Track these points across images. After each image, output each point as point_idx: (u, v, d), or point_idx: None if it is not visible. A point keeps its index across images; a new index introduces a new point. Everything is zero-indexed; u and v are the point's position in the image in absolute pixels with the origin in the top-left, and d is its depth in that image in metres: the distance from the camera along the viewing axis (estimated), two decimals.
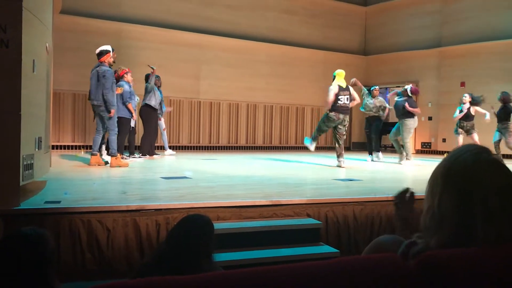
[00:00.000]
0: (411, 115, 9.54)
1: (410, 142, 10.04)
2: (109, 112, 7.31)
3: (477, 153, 1.04)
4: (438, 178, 1.06)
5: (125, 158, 8.46)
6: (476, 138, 10.25)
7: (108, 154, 7.79)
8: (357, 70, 15.04)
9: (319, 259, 4.00)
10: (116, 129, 7.50)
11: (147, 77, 9.43)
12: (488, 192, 0.98)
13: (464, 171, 1.02)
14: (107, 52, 7.47)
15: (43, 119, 5.06)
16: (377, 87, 10.56)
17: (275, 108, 13.77)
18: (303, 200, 4.74)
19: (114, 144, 7.37)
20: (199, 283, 0.85)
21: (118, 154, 7.42)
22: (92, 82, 7.39)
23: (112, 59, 7.58)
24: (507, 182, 1.00)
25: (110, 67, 7.47)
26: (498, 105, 10.43)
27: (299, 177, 6.81)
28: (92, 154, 7.48)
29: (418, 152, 13.99)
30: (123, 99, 8.38)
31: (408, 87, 9.87)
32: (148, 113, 9.25)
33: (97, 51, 7.53)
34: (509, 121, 10.12)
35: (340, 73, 8.44)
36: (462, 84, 12.78)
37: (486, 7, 12.31)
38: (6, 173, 3.78)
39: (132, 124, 8.96)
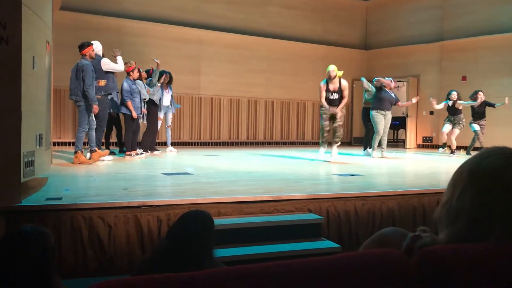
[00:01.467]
0: None
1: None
2: (91, 108, 7.15)
3: (509, 156, 1.04)
4: (464, 173, 1.06)
5: (133, 155, 8.42)
6: (456, 133, 10.46)
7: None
8: (358, 65, 15.03)
9: (321, 254, 4.00)
10: (87, 127, 7.21)
11: (148, 72, 9.42)
12: (510, 195, 0.98)
13: (492, 172, 1.02)
14: (88, 44, 7.27)
15: (44, 116, 5.06)
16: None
17: (276, 103, 13.76)
18: (304, 196, 4.74)
19: (79, 142, 7.16)
20: (200, 280, 0.85)
21: (79, 152, 7.21)
22: (71, 76, 7.16)
23: (94, 52, 7.39)
24: None
25: (90, 60, 7.27)
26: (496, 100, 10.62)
27: (300, 173, 6.80)
28: (91, 151, 7.43)
29: (419, 146, 13.99)
30: (122, 97, 8.34)
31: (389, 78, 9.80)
32: (150, 109, 9.24)
33: (96, 45, 7.46)
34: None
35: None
36: (464, 78, 12.76)
37: (486, 1, 12.27)
38: (7, 170, 3.78)
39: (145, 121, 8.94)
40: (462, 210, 1.02)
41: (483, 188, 1.01)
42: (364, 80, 10.41)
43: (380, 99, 9.47)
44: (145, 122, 9.26)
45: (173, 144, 10.98)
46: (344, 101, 8.38)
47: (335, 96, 8.34)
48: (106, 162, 7.56)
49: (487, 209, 0.99)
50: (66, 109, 11.02)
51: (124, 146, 8.74)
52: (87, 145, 7.60)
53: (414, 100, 10.54)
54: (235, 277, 0.85)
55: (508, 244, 0.94)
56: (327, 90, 8.38)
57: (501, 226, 0.96)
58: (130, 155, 8.39)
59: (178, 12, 12.26)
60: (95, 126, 7.45)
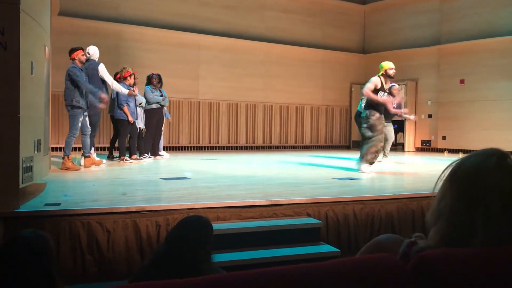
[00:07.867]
0: None
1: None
2: (99, 99, 7.27)
3: (489, 155, 1.04)
4: (448, 175, 1.07)
5: (126, 160, 8.43)
6: None
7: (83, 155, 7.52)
8: (356, 69, 15.06)
9: (320, 259, 4.00)
10: (77, 133, 7.15)
11: (148, 78, 9.43)
12: (490, 195, 0.98)
13: (470, 172, 1.02)
14: (77, 49, 7.29)
15: (42, 121, 5.06)
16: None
17: (274, 107, 13.77)
18: (303, 200, 4.74)
19: (67, 148, 7.13)
20: (198, 286, 0.85)
21: (90, 154, 7.36)
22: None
23: (84, 57, 7.42)
24: (511, 186, 0.99)
25: (77, 65, 7.27)
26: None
27: (299, 177, 6.80)
28: (84, 156, 7.43)
29: (418, 149, 14.00)
30: (119, 102, 8.35)
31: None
32: (147, 113, 9.24)
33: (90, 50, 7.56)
34: None
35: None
36: (462, 81, 12.78)
37: (484, 5, 12.32)
38: (6, 175, 3.77)
39: (142, 126, 8.93)
40: (443, 212, 1.02)
41: (461, 190, 1.01)
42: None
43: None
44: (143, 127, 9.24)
45: (172, 148, 10.98)
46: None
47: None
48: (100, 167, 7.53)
49: (467, 210, 0.99)
50: (64, 114, 10.95)
51: (117, 151, 8.78)
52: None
53: (411, 117, 10.54)
54: (233, 283, 0.85)
55: (498, 247, 0.94)
56: (382, 89, 6.88)
57: (484, 229, 0.97)
58: (125, 160, 8.40)
59: (176, 17, 12.28)
60: (89, 132, 7.46)
